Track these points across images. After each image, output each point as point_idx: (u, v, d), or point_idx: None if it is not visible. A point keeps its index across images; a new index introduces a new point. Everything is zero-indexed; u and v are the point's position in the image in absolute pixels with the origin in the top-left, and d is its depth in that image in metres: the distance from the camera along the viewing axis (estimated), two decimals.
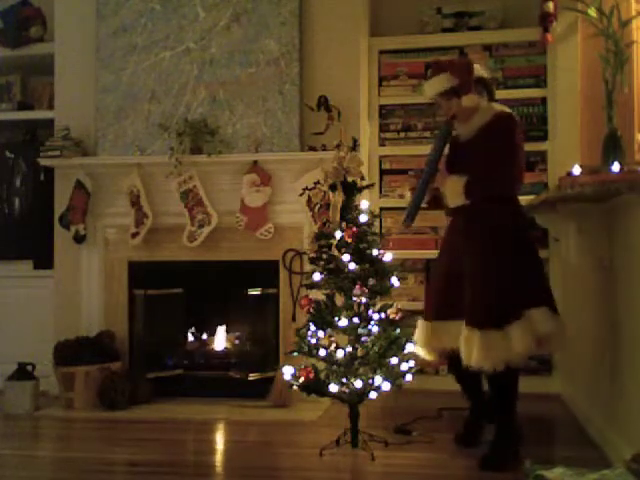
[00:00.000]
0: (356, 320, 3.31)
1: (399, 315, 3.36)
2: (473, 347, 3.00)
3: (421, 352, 3.35)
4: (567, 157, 4.44)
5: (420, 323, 3.38)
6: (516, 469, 2.89)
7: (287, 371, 3.41)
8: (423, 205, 3.37)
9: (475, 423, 3.41)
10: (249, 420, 4.07)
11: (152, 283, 4.72)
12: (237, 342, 4.82)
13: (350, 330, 3.32)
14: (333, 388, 3.32)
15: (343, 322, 3.31)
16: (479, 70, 3.27)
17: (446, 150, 3.38)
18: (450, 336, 3.17)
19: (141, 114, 4.70)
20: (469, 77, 3.19)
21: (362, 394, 3.33)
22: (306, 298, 3.45)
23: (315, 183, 4.32)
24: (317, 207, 4.33)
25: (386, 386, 3.31)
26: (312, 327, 3.38)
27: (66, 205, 4.71)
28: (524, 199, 4.37)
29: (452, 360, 3.28)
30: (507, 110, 3.23)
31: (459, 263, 3.20)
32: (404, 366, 3.35)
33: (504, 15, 4.94)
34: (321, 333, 3.37)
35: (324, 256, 3.43)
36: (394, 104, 5.00)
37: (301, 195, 4.36)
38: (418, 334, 3.36)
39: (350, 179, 3.48)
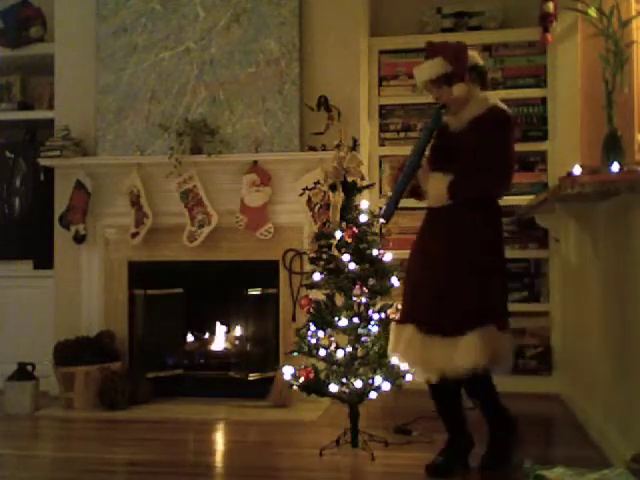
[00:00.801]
0: (356, 320, 3.31)
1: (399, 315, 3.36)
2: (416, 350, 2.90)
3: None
4: (567, 157, 4.44)
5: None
6: (514, 467, 2.90)
7: (287, 371, 3.41)
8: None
9: (452, 455, 3.08)
10: (249, 420, 4.07)
11: (152, 283, 4.72)
12: (237, 342, 4.82)
13: (350, 330, 3.32)
14: (333, 388, 3.32)
15: (343, 322, 3.31)
16: (474, 57, 3.04)
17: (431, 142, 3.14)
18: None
19: (141, 114, 4.70)
20: (464, 64, 2.95)
21: (362, 394, 3.33)
22: (306, 298, 3.46)
23: (315, 183, 4.32)
24: (317, 207, 4.33)
25: (386, 386, 3.31)
26: (312, 327, 3.38)
27: (66, 205, 4.71)
28: (524, 199, 4.41)
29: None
30: (502, 105, 3.02)
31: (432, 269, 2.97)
32: (404, 366, 3.34)
33: (504, 15, 4.94)
34: (321, 333, 3.38)
35: (324, 256, 3.43)
36: (394, 104, 5.00)
37: (301, 195, 4.36)
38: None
39: (350, 179, 3.48)
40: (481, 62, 3.06)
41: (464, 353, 2.81)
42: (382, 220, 3.10)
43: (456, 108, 2.99)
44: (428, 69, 2.95)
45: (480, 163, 2.88)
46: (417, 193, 3.12)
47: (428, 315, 2.90)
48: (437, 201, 2.99)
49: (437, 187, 2.96)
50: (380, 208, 3.22)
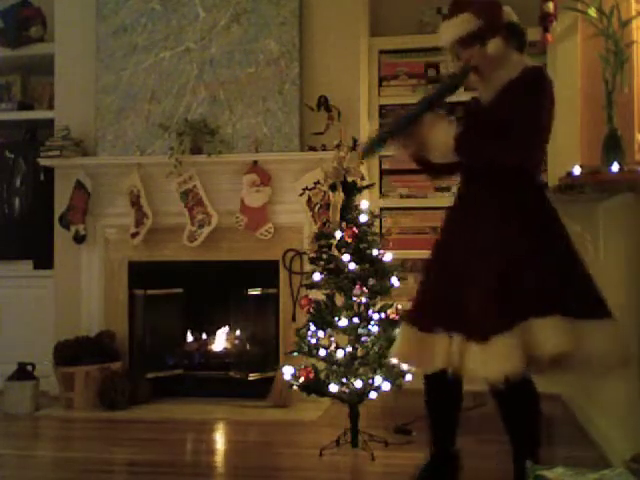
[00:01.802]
0: (356, 320, 3.31)
1: (399, 315, 3.36)
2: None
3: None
4: (567, 157, 4.43)
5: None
6: None
7: (287, 371, 3.41)
8: (404, 158, 2.73)
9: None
10: (249, 420, 4.07)
11: (152, 283, 4.72)
12: (237, 342, 4.82)
13: (350, 330, 3.32)
14: (333, 388, 3.32)
15: (343, 322, 3.31)
16: (510, 13, 2.60)
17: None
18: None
19: (141, 114, 4.70)
20: (497, 19, 2.54)
21: (362, 394, 3.33)
22: (306, 298, 3.46)
23: (315, 183, 4.33)
24: (317, 207, 4.33)
25: (386, 386, 3.32)
26: (312, 327, 3.39)
27: (66, 205, 4.71)
28: None
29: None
30: (539, 65, 2.61)
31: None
32: (404, 366, 3.34)
33: None
34: (321, 333, 3.38)
35: (324, 256, 3.43)
36: (394, 104, 4.99)
37: (301, 195, 4.36)
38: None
39: (350, 179, 3.48)
40: (516, 19, 2.61)
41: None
42: (361, 153, 2.76)
43: (489, 71, 2.56)
44: (454, 27, 2.58)
45: (500, 122, 2.45)
46: (423, 162, 2.71)
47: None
48: (441, 153, 2.56)
49: (442, 135, 2.52)
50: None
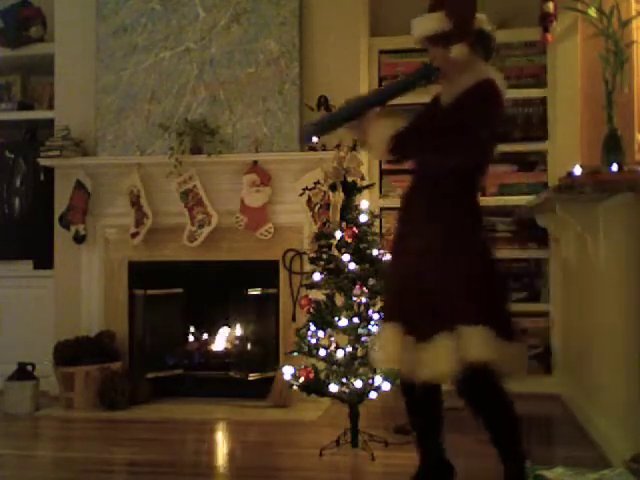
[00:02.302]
0: (356, 320, 3.31)
1: None
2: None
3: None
4: (567, 157, 4.44)
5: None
6: None
7: (287, 371, 3.41)
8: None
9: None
10: (249, 420, 4.07)
11: (152, 283, 4.72)
12: (237, 342, 4.82)
13: (350, 330, 3.32)
14: (333, 388, 3.32)
15: (343, 322, 3.31)
16: (482, 21, 2.54)
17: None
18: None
19: (141, 114, 4.70)
20: (467, 24, 2.48)
21: (362, 394, 3.33)
22: (306, 298, 3.46)
23: (315, 183, 4.32)
24: (317, 207, 4.33)
25: (386, 386, 3.31)
26: (312, 327, 3.39)
27: (66, 205, 4.71)
28: (524, 199, 4.42)
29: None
30: (497, 77, 2.55)
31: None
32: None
33: (504, 15, 4.93)
34: (321, 333, 3.38)
35: (324, 256, 3.43)
36: (394, 104, 4.98)
37: (301, 195, 4.36)
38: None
39: (350, 179, 3.48)
40: (489, 28, 2.56)
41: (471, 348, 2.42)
42: (310, 132, 2.68)
43: (450, 75, 2.53)
44: (425, 23, 2.55)
45: (437, 129, 2.47)
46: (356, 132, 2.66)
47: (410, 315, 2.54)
48: (376, 151, 2.58)
49: (380, 133, 2.50)
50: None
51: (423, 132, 2.49)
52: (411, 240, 2.56)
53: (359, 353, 3.34)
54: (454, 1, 2.50)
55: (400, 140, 2.47)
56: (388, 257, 2.79)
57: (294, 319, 4.40)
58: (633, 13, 3.25)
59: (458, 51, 2.46)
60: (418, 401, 2.71)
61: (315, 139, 2.77)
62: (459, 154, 2.47)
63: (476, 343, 2.39)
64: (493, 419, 2.63)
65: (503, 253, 4.79)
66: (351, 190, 3.46)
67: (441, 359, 2.41)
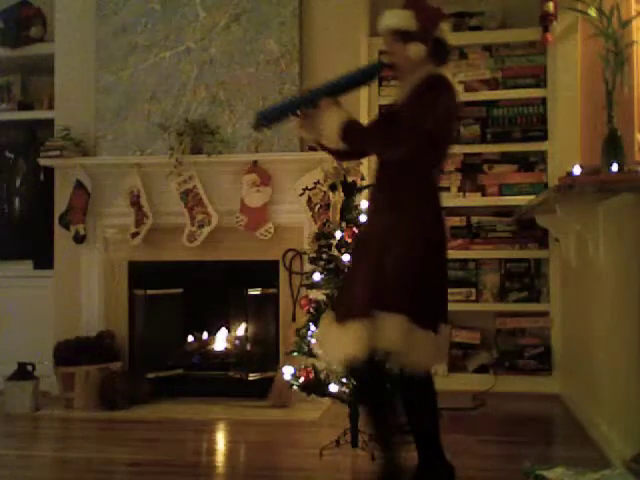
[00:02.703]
0: None
1: None
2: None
3: None
4: (567, 157, 4.44)
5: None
6: None
7: (287, 371, 3.41)
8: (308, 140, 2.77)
9: None
10: (249, 420, 4.07)
11: (152, 283, 4.72)
12: (237, 342, 4.82)
13: None
14: (333, 388, 3.32)
15: None
16: (445, 31, 2.66)
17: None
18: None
19: (141, 114, 4.70)
20: (430, 30, 2.59)
21: None
22: (306, 298, 3.46)
23: (315, 183, 4.33)
24: (317, 207, 4.33)
25: None
26: (312, 327, 3.38)
27: (66, 205, 4.71)
28: (524, 199, 4.42)
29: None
30: (445, 73, 2.63)
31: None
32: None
33: (504, 15, 4.94)
34: None
35: (324, 256, 3.43)
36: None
37: (301, 195, 4.36)
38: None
39: (350, 179, 3.48)
40: (449, 39, 2.68)
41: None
42: (261, 118, 2.68)
43: (405, 73, 2.63)
44: (393, 17, 2.61)
45: (403, 120, 2.53)
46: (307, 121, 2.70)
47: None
48: (328, 138, 2.61)
49: (333, 121, 2.56)
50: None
51: (373, 122, 2.61)
52: (363, 232, 2.76)
53: None
54: (424, 6, 2.63)
55: (351, 126, 2.55)
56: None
57: (294, 319, 4.40)
58: (633, 13, 3.25)
59: (415, 50, 2.56)
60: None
61: (265, 127, 2.77)
62: (406, 142, 2.51)
63: (387, 330, 2.45)
64: (416, 407, 2.68)
65: (503, 253, 4.81)
66: (351, 190, 3.46)
67: (349, 343, 2.50)
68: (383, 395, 2.69)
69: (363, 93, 4.74)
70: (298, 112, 2.67)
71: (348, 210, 3.43)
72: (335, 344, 2.60)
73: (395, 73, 2.68)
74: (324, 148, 2.77)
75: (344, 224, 3.39)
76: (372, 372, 2.61)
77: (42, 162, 4.75)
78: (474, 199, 4.87)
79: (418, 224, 2.56)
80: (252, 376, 4.49)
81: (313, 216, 4.35)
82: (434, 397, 2.70)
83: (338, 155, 2.88)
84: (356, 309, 2.52)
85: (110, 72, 4.74)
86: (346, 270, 2.83)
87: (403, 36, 2.57)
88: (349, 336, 2.51)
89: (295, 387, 3.42)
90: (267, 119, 2.69)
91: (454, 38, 4.81)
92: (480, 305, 4.82)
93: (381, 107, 4.83)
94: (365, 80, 2.71)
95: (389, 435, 2.67)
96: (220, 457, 3.55)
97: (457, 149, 4.89)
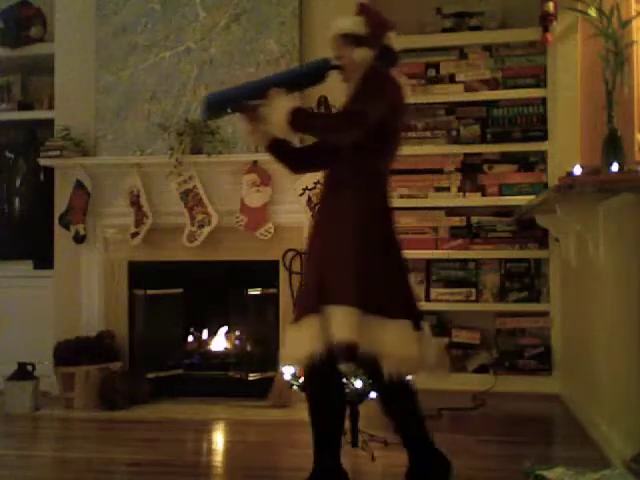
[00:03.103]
0: None
1: None
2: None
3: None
4: (567, 157, 4.44)
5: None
6: None
7: (287, 371, 3.41)
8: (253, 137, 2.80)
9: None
10: (249, 420, 4.07)
11: (152, 283, 4.72)
12: (237, 342, 4.82)
13: None
14: None
15: None
16: (392, 39, 2.74)
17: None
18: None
19: (141, 114, 4.70)
20: (378, 37, 2.70)
21: (362, 394, 3.32)
22: None
23: (315, 183, 4.32)
24: (317, 207, 4.32)
25: None
26: None
27: (66, 205, 4.71)
28: (524, 199, 4.42)
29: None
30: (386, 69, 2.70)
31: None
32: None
33: (504, 15, 4.94)
34: None
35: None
36: None
37: (301, 195, 4.36)
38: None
39: None
40: (396, 48, 2.75)
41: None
42: (206, 113, 2.71)
43: (350, 74, 2.72)
44: (346, 22, 2.74)
45: (347, 106, 2.64)
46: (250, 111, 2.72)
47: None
48: (276, 125, 2.61)
49: (281, 109, 2.57)
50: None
51: (325, 114, 2.65)
52: (316, 227, 2.76)
53: None
54: (375, 14, 2.74)
55: (299, 112, 2.58)
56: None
57: None
58: (633, 13, 3.25)
59: (362, 54, 2.65)
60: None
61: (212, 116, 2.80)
62: (350, 126, 2.56)
63: (339, 322, 2.45)
64: (398, 409, 2.68)
65: (503, 253, 4.81)
66: None
67: (305, 341, 2.52)
68: (336, 392, 2.74)
69: None
70: (246, 102, 2.67)
71: None
72: (292, 344, 2.61)
73: (343, 75, 2.74)
74: (272, 152, 2.85)
75: None
76: (327, 369, 2.60)
77: (42, 162, 4.75)
78: (474, 199, 4.87)
79: (362, 219, 2.61)
80: (252, 376, 4.49)
81: (313, 216, 4.34)
82: (413, 397, 2.67)
83: (288, 163, 2.93)
84: (307, 306, 2.56)
85: (110, 72, 4.74)
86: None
87: (352, 40, 2.67)
88: (304, 334, 2.54)
89: (295, 387, 3.41)
90: (214, 106, 2.67)
91: (454, 38, 4.91)
92: (480, 305, 4.82)
93: None
94: (313, 77, 2.73)
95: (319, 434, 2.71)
96: (220, 457, 3.55)
97: (457, 149, 4.90)
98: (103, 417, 4.19)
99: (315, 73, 2.74)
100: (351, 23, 2.71)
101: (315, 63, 2.77)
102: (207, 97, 2.70)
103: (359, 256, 2.56)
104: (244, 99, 2.69)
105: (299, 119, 2.57)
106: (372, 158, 2.67)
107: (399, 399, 2.65)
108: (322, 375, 2.64)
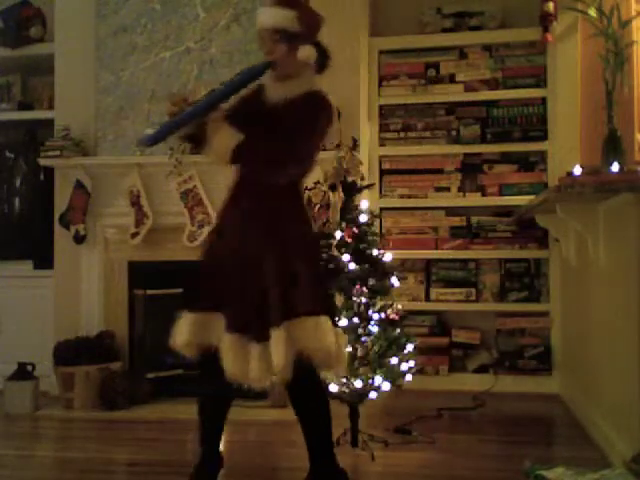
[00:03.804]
0: (356, 320, 3.31)
1: (399, 315, 3.37)
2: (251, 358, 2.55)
3: (184, 349, 2.84)
4: (567, 157, 4.44)
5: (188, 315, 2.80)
6: None
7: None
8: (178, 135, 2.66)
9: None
10: (249, 420, 4.07)
11: (152, 283, 4.71)
12: None
13: (350, 330, 3.32)
14: (333, 388, 3.32)
15: (343, 322, 3.31)
16: (323, 36, 2.71)
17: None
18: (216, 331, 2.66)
19: (141, 114, 4.70)
20: (313, 33, 2.62)
21: (362, 394, 3.33)
22: None
23: (315, 183, 4.32)
24: (317, 207, 4.32)
25: (386, 386, 3.31)
26: None
27: (66, 205, 4.71)
28: (524, 199, 4.42)
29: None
30: (324, 92, 2.66)
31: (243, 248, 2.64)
32: (404, 366, 3.35)
33: (504, 15, 4.94)
34: None
35: (324, 256, 3.43)
36: (394, 104, 5.00)
37: None
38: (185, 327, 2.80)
39: (350, 179, 3.48)
40: (327, 45, 2.74)
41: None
42: (144, 141, 2.56)
43: (287, 72, 2.61)
44: (278, 16, 2.54)
45: (277, 133, 2.51)
46: (195, 139, 2.64)
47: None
48: (217, 157, 2.56)
49: (223, 143, 2.50)
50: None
51: (262, 146, 2.53)
52: (237, 236, 2.65)
53: (359, 353, 3.34)
54: (306, 7, 2.63)
55: (241, 151, 2.50)
56: (207, 244, 2.92)
57: None
58: (633, 13, 3.26)
59: (307, 53, 2.57)
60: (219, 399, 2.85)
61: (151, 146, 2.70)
62: (294, 167, 2.58)
63: (314, 333, 2.52)
64: (316, 415, 2.73)
65: (503, 253, 4.81)
66: (351, 190, 3.46)
67: (279, 355, 2.49)
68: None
69: (363, 93, 4.73)
70: (190, 125, 2.57)
71: (348, 210, 3.43)
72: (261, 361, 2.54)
73: (275, 72, 2.61)
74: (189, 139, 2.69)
75: (344, 224, 3.39)
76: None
77: (42, 162, 4.75)
78: (474, 199, 4.87)
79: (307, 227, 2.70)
80: None
81: (313, 216, 4.34)
82: (326, 401, 2.74)
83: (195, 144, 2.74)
84: (273, 320, 2.51)
85: (110, 72, 4.74)
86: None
87: (287, 37, 2.54)
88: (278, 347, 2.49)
89: None
90: (153, 142, 2.59)
91: (454, 38, 4.91)
92: (480, 305, 4.82)
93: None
94: (253, 81, 2.62)
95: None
96: None
97: (457, 149, 4.91)
98: (103, 417, 4.19)
99: (255, 78, 2.62)
100: (284, 17, 2.54)
101: (254, 69, 2.62)
102: (146, 139, 2.58)
103: (309, 267, 2.60)
104: (183, 127, 2.58)
105: (242, 154, 2.51)
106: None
107: (312, 400, 2.72)
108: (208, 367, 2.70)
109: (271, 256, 2.55)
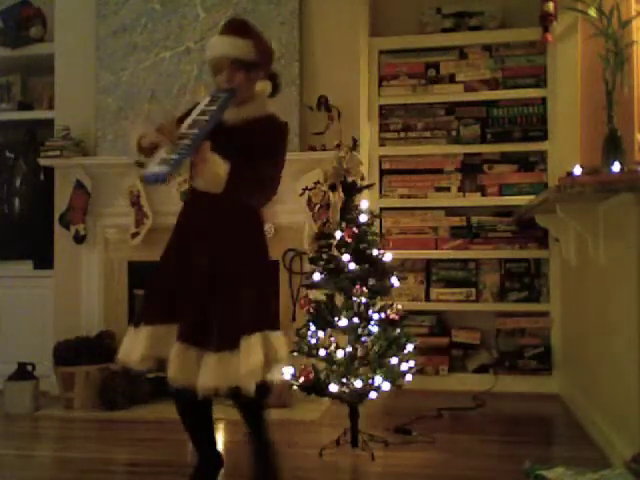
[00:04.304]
0: (356, 320, 3.31)
1: (399, 315, 3.37)
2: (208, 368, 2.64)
3: (134, 362, 2.83)
4: (567, 157, 4.44)
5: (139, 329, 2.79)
6: None
7: (287, 371, 3.41)
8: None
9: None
10: None
11: None
12: None
13: (350, 330, 3.32)
14: (333, 388, 3.32)
15: (343, 322, 3.31)
16: (273, 65, 2.85)
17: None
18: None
19: (141, 114, 4.70)
20: (268, 63, 2.75)
21: (362, 394, 3.33)
22: (306, 298, 3.45)
23: (315, 183, 4.33)
24: (317, 207, 4.33)
25: (386, 386, 3.31)
26: (312, 327, 3.38)
27: (66, 205, 4.71)
28: (524, 199, 4.42)
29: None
30: (280, 117, 2.76)
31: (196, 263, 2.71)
32: (404, 366, 3.35)
33: (504, 15, 4.94)
34: (321, 333, 3.38)
35: (324, 256, 3.43)
36: (394, 104, 5.00)
37: (301, 195, 4.36)
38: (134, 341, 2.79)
39: (350, 179, 3.48)
40: (276, 69, 2.87)
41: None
42: (158, 178, 2.48)
43: (241, 97, 2.67)
44: (233, 46, 2.62)
45: (254, 166, 2.60)
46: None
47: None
48: (209, 185, 2.57)
49: (216, 172, 2.53)
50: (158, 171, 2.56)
51: (246, 177, 2.61)
52: (198, 249, 2.73)
53: (359, 353, 3.34)
54: (260, 37, 2.72)
55: (232, 177, 2.55)
56: (166, 255, 2.91)
57: (294, 319, 4.40)
58: (633, 13, 3.26)
59: (263, 87, 2.74)
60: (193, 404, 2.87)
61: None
62: (272, 193, 2.80)
63: (282, 346, 2.74)
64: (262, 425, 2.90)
65: (503, 253, 4.81)
66: (351, 190, 3.46)
67: (251, 365, 2.56)
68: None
69: (363, 93, 4.74)
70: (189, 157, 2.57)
71: (348, 210, 3.43)
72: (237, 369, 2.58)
73: (234, 98, 2.64)
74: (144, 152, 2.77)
75: (344, 224, 3.39)
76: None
77: (42, 162, 4.75)
78: (474, 199, 4.87)
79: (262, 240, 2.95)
80: None
81: (313, 216, 4.34)
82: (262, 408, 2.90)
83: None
84: (244, 328, 2.59)
85: (110, 72, 4.74)
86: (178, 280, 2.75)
87: (244, 66, 2.63)
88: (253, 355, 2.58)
89: (295, 387, 3.41)
90: (164, 178, 2.49)
91: (454, 38, 4.92)
92: (480, 305, 4.82)
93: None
94: (225, 108, 2.62)
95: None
96: None
97: (457, 149, 4.91)
98: (103, 417, 4.19)
99: (225, 108, 2.62)
100: (241, 48, 2.62)
101: (222, 100, 2.62)
102: (161, 177, 2.49)
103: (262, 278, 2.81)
104: (186, 158, 2.57)
105: (231, 183, 2.55)
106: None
107: (253, 406, 2.86)
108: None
109: (215, 271, 2.64)
